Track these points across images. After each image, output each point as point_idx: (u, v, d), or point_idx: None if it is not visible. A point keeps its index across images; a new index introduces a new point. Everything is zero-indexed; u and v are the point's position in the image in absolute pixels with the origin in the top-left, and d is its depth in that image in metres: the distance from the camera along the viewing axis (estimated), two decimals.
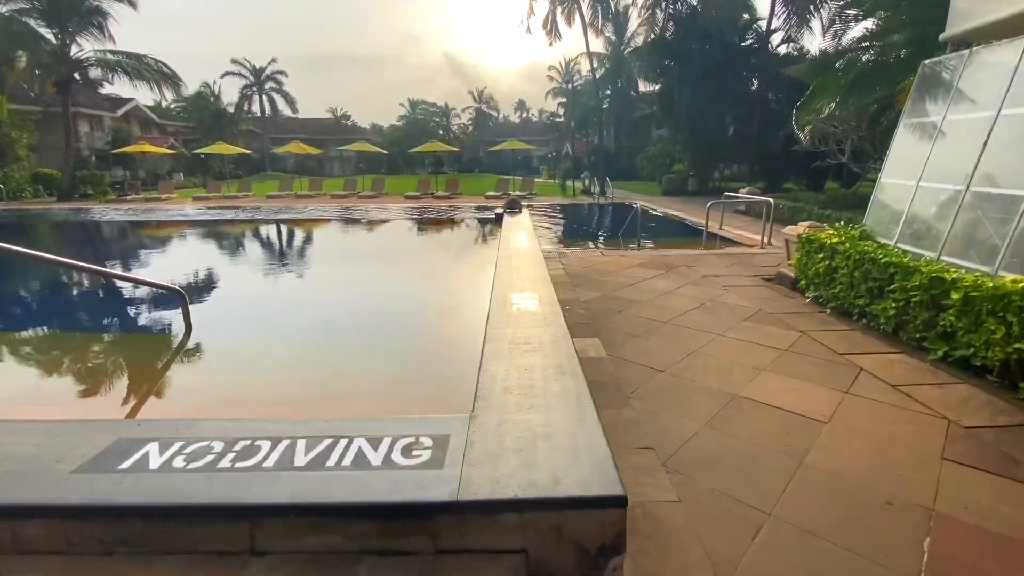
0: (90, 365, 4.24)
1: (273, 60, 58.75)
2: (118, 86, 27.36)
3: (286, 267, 9.15)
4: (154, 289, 4.91)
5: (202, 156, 39.31)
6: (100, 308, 5.88)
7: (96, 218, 17.23)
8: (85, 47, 22.94)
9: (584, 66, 40.63)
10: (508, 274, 4.64)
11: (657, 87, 25.80)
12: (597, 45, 38.77)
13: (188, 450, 1.91)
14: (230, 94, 58.38)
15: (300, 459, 1.84)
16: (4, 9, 21.49)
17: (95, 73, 25.46)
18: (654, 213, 16.44)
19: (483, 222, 14.80)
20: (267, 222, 15.82)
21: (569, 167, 26.23)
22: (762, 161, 21.64)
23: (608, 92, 41.18)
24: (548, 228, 13.41)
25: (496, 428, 2.01)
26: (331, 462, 1.82)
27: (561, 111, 56.10)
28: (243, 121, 56.73)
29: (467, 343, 3.72)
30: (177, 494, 1.68)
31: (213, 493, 1.67)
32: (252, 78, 58.85)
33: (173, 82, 24.80)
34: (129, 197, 23.04)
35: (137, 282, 4.30)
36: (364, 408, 3.26)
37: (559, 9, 24.10)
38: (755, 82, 23.28)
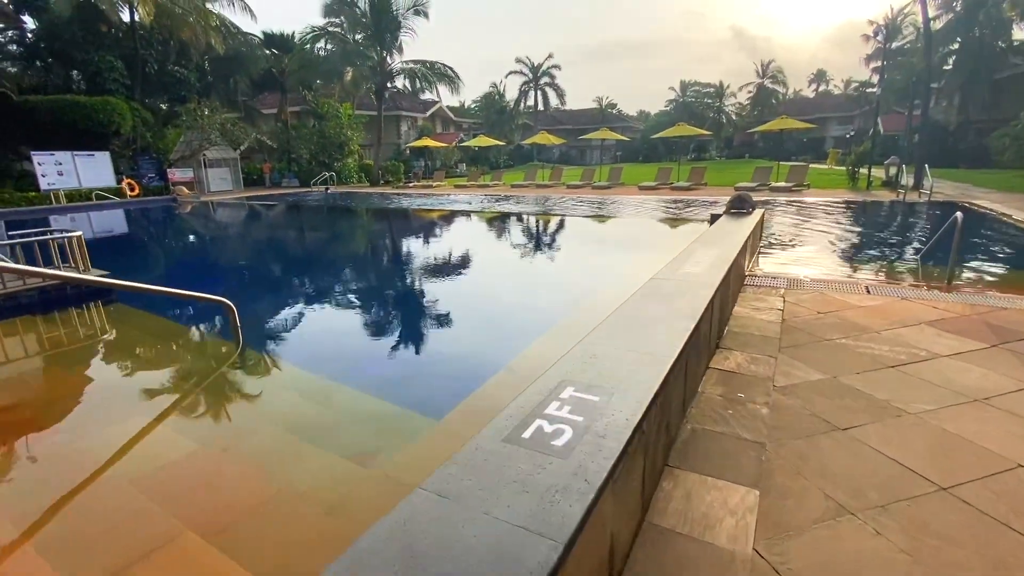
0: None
1: (549, 56, 62.60)
2: (416, 90, 32.56)
3: (389, 265, 9.01)
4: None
5: (475, 148, 44.82)
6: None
7: (365, 203, 20.91)
8: (395, 59, 28.15)
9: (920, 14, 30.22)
10: (613, 334, 2.79)
11: None
12: None
13: None
14: (513, 91, 65.00)
15: None
16: (359, 36, 27.90)
17: (399, 80, 30.97)
18: (1005, 223, 10.64)
19: (687, 224, 12.04)
20: (462, 213, 16.48)
21: (866, 149, 19.78)
22: None
23: (954, 46, 29.79)
24: (801, 237, 9.88)
25: None
26: None
27: (876, 79, 43.81)
28: (519, 115, 62.99)
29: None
30: None
31: None
32: (530, 75, 64.21)
33: (453, 83, 28.34)
34: (411, 184, 27.53)
35: (182, 296, 4.12)
36: None
37: None
38: None
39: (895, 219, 12.80)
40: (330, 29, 27.08)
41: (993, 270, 7.13)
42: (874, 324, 4.38)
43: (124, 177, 22.62)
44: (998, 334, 4.07)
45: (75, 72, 24.30)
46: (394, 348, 4.91)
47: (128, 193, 22.02)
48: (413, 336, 5.31)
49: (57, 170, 20.39)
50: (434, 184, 26.65)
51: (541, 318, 5.76)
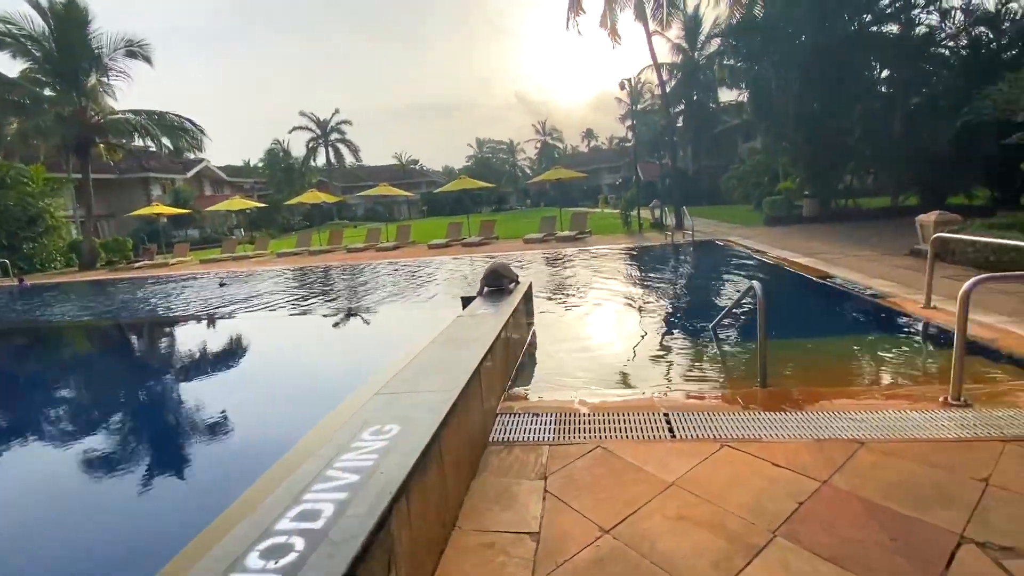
0: None
1: (336, 111, 59.55)
2: (145, 146, 26.26)
3: None
4: None
5: (250, 211, 38.55)
6: None
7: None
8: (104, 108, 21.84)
9: (655, 78, 35.65)
10: None
11: (741, 94, 20.09)
12: (665, 53, 33.43)
13: None
14: (302, 148, 59.75)
15: None
16: (42, 80, 20.87)
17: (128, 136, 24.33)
18: (763, 261, 10.66)
19: (433, 315, 8.29)
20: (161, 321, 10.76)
21: (633, 194, 20.85)
22: (918, 165, 15.02)
23: (681, 107, 35.45)
24: (579, 310, 8.23)
25: None
26: None
27: (631, 135, 51.10)
28: (310, 173, 57.73)
29: None
30: None
31: None
32: (318, 131, 60.08)
33: (192, 136, 23.02)
34: (138, 264, 21.00)
35: None
36: None
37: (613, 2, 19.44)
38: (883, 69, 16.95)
39: (669, 266, 12.45)
40: None
41: (779, 327, 5.70)
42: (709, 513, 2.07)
43: None
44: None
45: None
46: None
47: None
48: None
49: None
50: (172, 262, 20.68)
51: None
